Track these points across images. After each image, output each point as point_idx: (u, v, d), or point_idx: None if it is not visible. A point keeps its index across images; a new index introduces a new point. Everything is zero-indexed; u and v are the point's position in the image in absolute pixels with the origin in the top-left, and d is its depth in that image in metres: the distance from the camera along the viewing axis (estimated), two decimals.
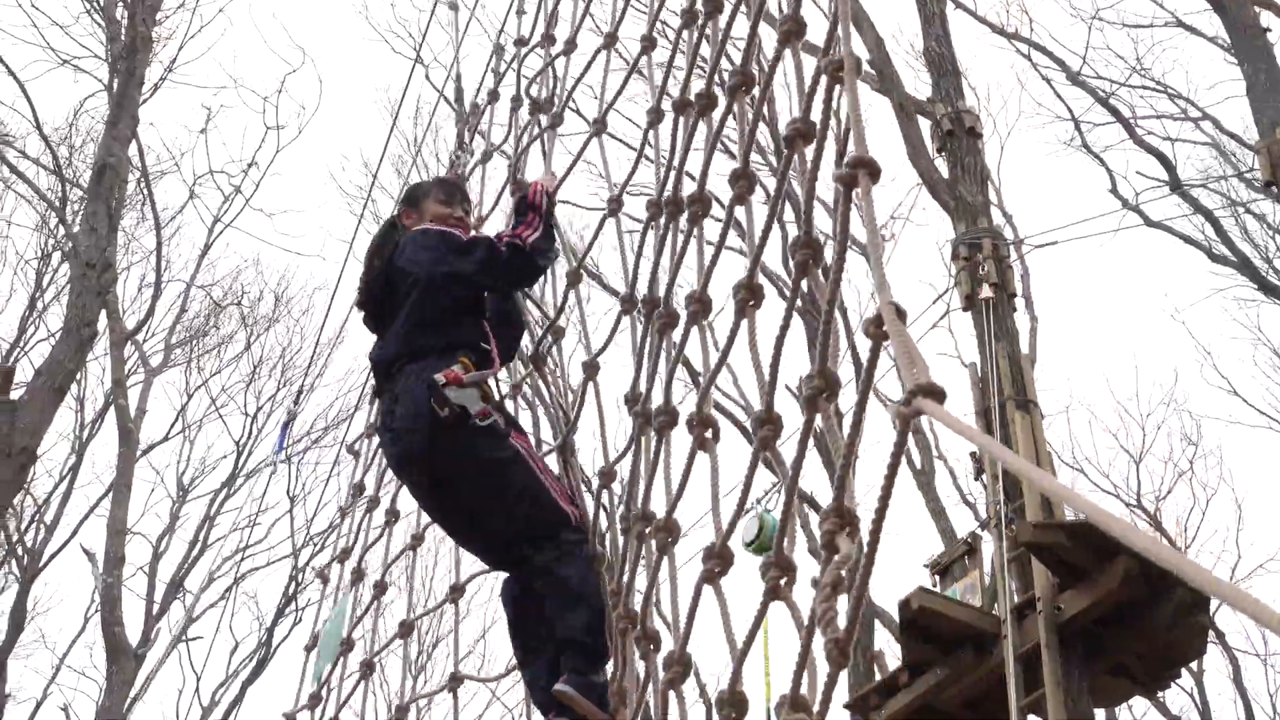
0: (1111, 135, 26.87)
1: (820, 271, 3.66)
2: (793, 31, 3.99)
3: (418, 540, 6.89)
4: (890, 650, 19.96)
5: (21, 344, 27.71)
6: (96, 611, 24.65)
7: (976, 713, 11.21)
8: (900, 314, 2.86)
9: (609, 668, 5.43)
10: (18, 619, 24.09)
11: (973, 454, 14.03)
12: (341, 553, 7.65)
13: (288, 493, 27.17)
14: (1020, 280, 16.05)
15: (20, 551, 25.36)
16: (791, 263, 3.61)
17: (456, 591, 6.66)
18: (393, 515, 7.09)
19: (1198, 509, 27.78)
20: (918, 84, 20.17)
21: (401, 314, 6.20)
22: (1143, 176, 24.58)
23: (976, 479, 13.85)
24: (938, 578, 12.78)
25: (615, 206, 6.29)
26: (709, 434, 4.04)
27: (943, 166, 15.59)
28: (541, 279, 6.86)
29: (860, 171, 3.28)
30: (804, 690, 2.97)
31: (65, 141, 25.66)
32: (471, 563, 6.69)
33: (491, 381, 6.16)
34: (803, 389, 3.29)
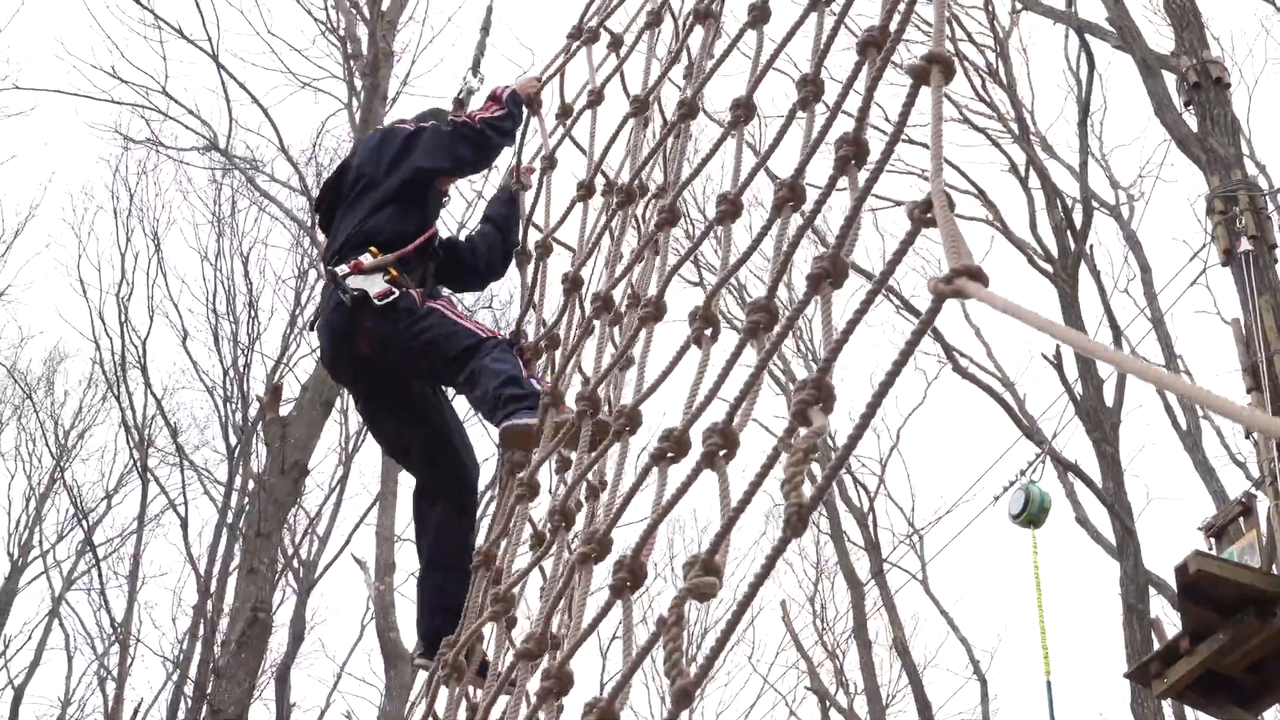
0: None
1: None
2: None
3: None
4: (1167, 617, 19.64)
5: (286, 360, 28.35)
6: (372, 619, 25.14)
7: (1262, 676, 11.01)
8: (950, 203, 2.84)
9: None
10: (298, 630, 24.60)
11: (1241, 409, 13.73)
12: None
13: (549, 492, 27.42)
14: (1278, 231, 15.68)
15: (296, 564, 25.93)
16: (835, 156, 3.56)
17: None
18: None
19: None
20: (1159, 38, 19.79)
21: (341, 213, 6.48)
22: None
23: (1247, 437, 13.59)
24: (1213, 540, 12.56)
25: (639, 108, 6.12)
26: (708, 332, 4.00)
27: (1191, 120, 15.31)
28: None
29: (935, 67, 3.25)
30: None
31: (311, 161, 26.27)
32: None
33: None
34: (811, 267, 3.28)
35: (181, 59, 36.62)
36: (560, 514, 4.44)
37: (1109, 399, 22.81)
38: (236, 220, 29.50)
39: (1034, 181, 25.22)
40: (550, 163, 6.70)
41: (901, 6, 3.58)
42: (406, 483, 27.90)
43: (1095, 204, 24.60)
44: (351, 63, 21.65)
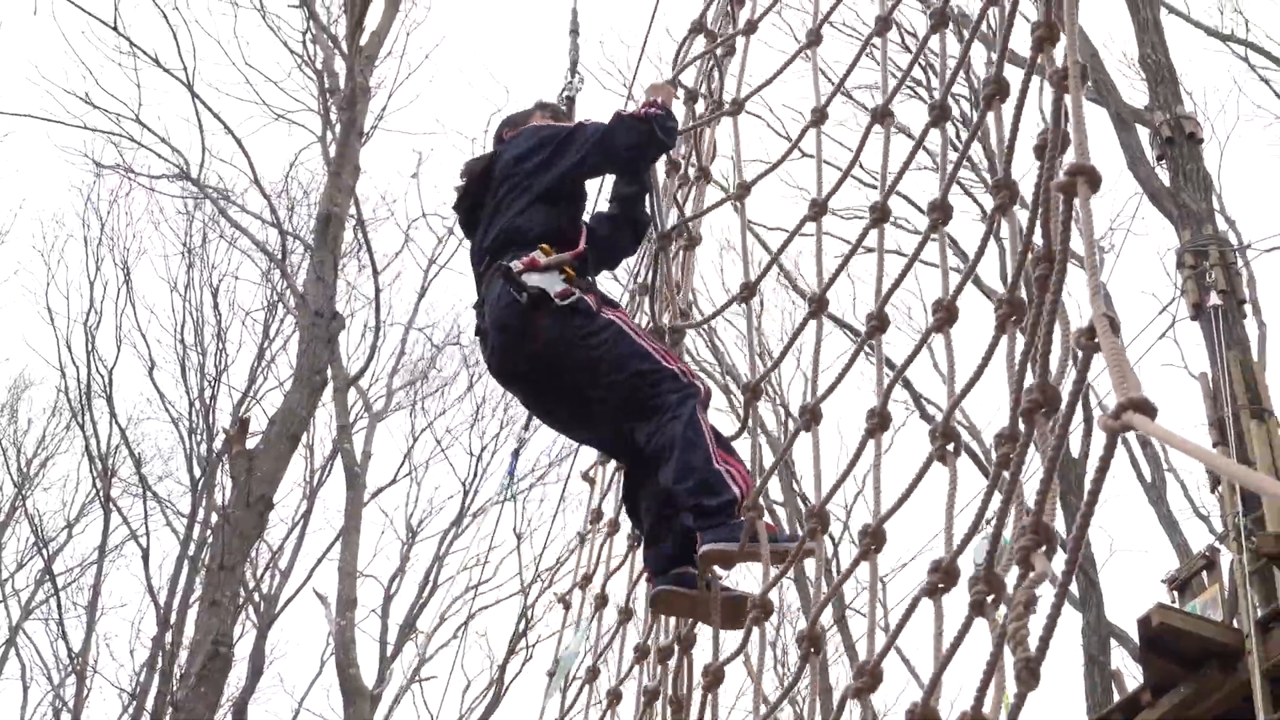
0: None
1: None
2: (1045, 38, 3.96)
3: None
4: (1128, 670, 19.69)
5: (253, 393, 28.35)
6: (332, 654, 25.09)
7: None
8: (1114, 326, 2.83)
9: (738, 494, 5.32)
10: (257, 664, 24.51)
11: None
12: (583, 579, 7.70)
13: (514, 530, 27.43)
14: (1247, 287, 15.78)
15: (258, 598, 25.87)
16: (1033, 273, 3.57)
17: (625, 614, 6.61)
18: (635, 540, 7.13)
19: None
20: (1133, 92, 19.96)
21: (488, 212, 6.26)
22: None
23: (1213, 491, 13.66)
24: (1176, 593, 12.62)
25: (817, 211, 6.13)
26: (950, 448, 3.99)
27: (1163, 174, 15.43)
28: None
29: (1079, 179, 3.24)
30: (987, 710, 2.93)
31: (283, 194, 26.25)
32: None
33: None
34: (1021, 401, 3.25)
35: (156, 87, 36.59)
36: (809, 639, 4.30)
37: (1074, 450, 22.92)
38: (207, 251, 29.50)
39: (1005, 231, 25.30)
40: (703, 173, 6.77)
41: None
42: (373, 519, 27.98)
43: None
44: (328, 96, 21.67)
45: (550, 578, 26.81)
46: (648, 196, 6.71)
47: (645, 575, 6.01)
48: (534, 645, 27.02)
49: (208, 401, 28.33)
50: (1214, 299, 13.23)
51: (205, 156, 22.14)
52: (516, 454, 12.75)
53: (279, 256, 23.45)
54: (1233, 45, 25.50)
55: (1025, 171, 4.45)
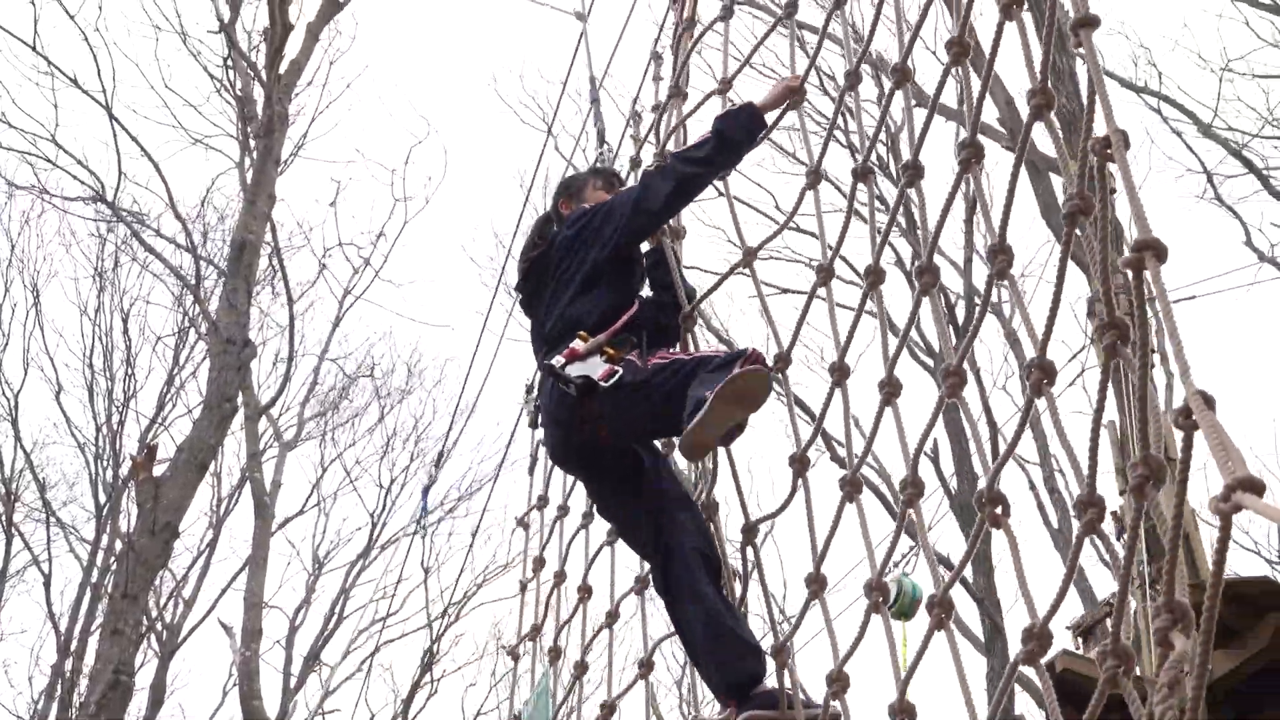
0: (1245, 187, 26.70)
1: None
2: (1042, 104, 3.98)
3: (613, 617, 6.85)
4: (1033, 715, 19.77)
5: (161, 420, 28.14)
6: (235, 685, 24.91)
7: None
8: (1209, 402, 2.77)
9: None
10: (157, 694, 24.31)
11: (1113, 513, 13.91)
12: (531, 630, 7.63)
13: (422, 564, 27.28)
14: (1156, 336, 15.92)
15: (160, 627, 25.64)
16: (1099, 346, 3.55)
17: (645, 668, 6.62)
18: (585, 592, 7.09)
19: None
20: (1048, 141, 20.12)
21: (546, 297, 6.38)
22: (1278, 227, 24.37)
23: (1118, 538, 13.73)
24: (1081, 640, 12.69)
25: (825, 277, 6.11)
26: (999, 510, 3.96)
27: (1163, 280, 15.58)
28: None
29: (1146, 254, 3.20)
30: None
31: (199, 219, 26.11)
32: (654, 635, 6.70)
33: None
34: (1128, 475, 3.20)
35: (74, 108, 36.40)
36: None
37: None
38: (119, 275, 29.29)
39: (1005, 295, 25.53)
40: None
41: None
42: (280, 549, 27.81)
43: (978, 301, 24.91)
44: (247, 123, 21.56)
45: (457, 613, 26.74)
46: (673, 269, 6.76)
47: (720, 704, 5.93)
48: (439, 680, 26.96)
49: (115, 427, 28.16)
50: None
51: (121, 179, 22.03)
52: (427, 490, 12.72)
53: (193, 282, 23.29)
54: (1146, 97, 25.78)
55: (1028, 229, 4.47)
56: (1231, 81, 27.42)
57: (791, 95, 6.52)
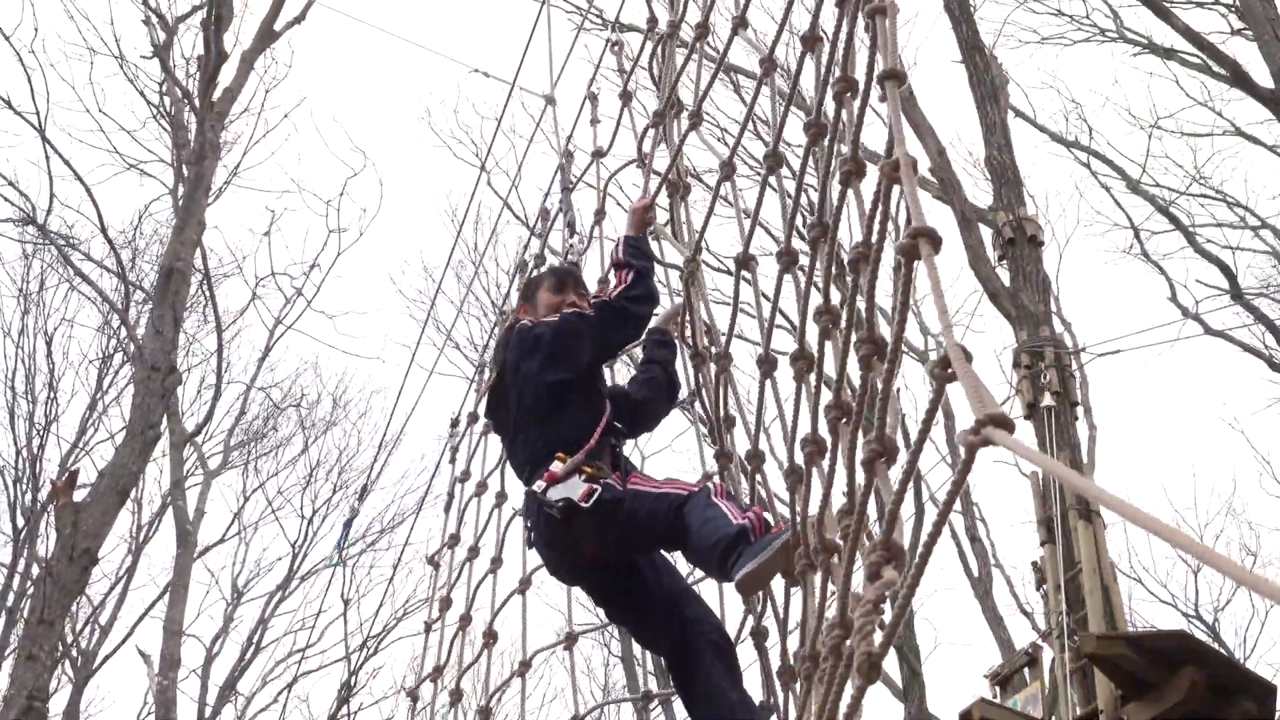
0: (1171, 243, 27.07)
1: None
2: (852, 172, 4.12)
3: (525, 666, 6.85)
4: None
5: (82, 444, 27.95)
6: (150, 714, 24.72)
7: None
8: (967, 355, 2.92)
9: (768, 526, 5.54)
10: (72, 718, 24.13)
11: (1034, 563, 14.01)
12: (434, 671, 7.58)
13: (342, 596, 27.17)
14: (1080, 389, 16.06)
15: (75, 653, 25.41)
16: (857, 356, 3.75)
17: (524, 665, 6.63)
18: (491, 637, 7.07)
19: (1257, 619, 27.79)
20: (978, 192, 20.31)
21: (512, 418, 6.52)
22: (1203, 285, 24.63)
23: (1038, 589, 13.83)
24: (998, 689, 12.76)
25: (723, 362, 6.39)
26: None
27: (1003, 274, 15.68)
28: None
29: (921, 240, 3.35)
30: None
31: (129, 244, 25.96)
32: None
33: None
34: (861, 452, 3.50)
35: (6, 129, 36.08)
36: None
37: (905, 542, 23.15)
38: (44, 298, 29.08)
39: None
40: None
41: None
42: (199, 577, 27.61)
43: (904, 349, 25.04)
44: (180, 150, 21.48)
45: (375, 646, 26.62)
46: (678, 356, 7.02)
47: None
48: (356, 713, 26.79)
49: (35, 451, 27.89)
50: (1047, 399, 13.45)
51: (52, 202, 21.81)
52: (349, 524, 12.67)
53: (121, 306, 23.12)
54: (1076, 151, 26.06)
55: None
56: (1160, 139, 27.97)
57: (644, 215, 7.06)
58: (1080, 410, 15.51)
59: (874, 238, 3.91)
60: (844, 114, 4.66)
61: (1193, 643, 10.48)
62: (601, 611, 6.92)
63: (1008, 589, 24.53)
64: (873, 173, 4.14)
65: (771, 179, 5.80)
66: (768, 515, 5.65)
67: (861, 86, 4.35)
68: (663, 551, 6.44)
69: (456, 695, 7.24)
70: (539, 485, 6.04)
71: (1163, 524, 2.02)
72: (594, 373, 6.59)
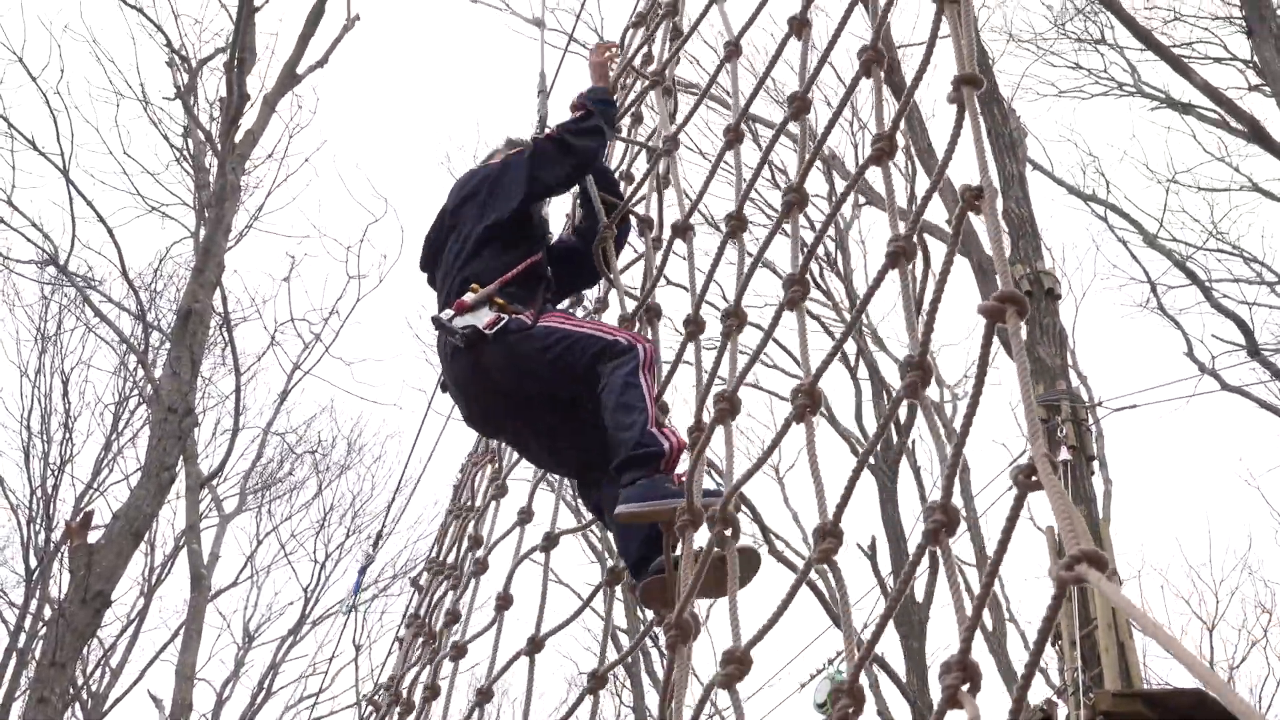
0: (1188, 298, 26.97)
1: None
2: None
3: (484, 696, 6.76)
4: None
5: (97, 485, 27.93)
6: None
7: None
8: (1055, 466, 2.80)
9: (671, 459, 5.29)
10: None
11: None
12: (391, 681, 7.54)
13: (354, 641, 27.13)
14: (1096, 443, 16.01)
15: (85, 695, 25.34)
16: (900, 382, 3.60)
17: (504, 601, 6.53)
18: (460, 651, 6.97)
19: (1273, 678, 27.62)
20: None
21: (443, 264, 6.28)
22: (1219, 340, 24.53)
23: (1053, 645, 13.76)
24: None
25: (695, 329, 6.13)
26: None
27: (1021, 327, 15.66)
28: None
29: (1010, 308, 3.22)
30: None
31: (149, 286, 25.98)
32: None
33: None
34: (923, 520, 3.19)
35: (31, 170, 36.24)
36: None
37: (919, 594, 23.07)
38: (62, 339, 29.15)
39: (863, 372, 25.63)
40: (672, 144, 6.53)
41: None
42: (211, 620, 27.55)
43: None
44: (202, 192, 21.52)
45: (389, 689, 26.55)
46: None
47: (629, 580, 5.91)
48: None
49: (50, 491, 27.87)
50: (1064, 454, 13.40)
51: (74, 243, 21.88)
52: (363, 571, 12.64)
53: (139, 347, 23.15)
54: (1093, 205, 26.04)
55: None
56: (1177, 193, 27.95)
57: (603, 65, 6.93)
58: (1096, 465, 15.45)
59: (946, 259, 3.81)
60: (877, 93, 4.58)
61: (1210, 700, 10.40)
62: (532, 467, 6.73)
63: (1022, 645, 24.42)
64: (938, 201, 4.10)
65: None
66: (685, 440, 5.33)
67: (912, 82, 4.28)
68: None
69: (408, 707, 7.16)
70: (446, 314, 5.80)
71: (1197, 662, 1.99)
72: (527, 213, 6.30)
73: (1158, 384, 29.54)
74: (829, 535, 3.59)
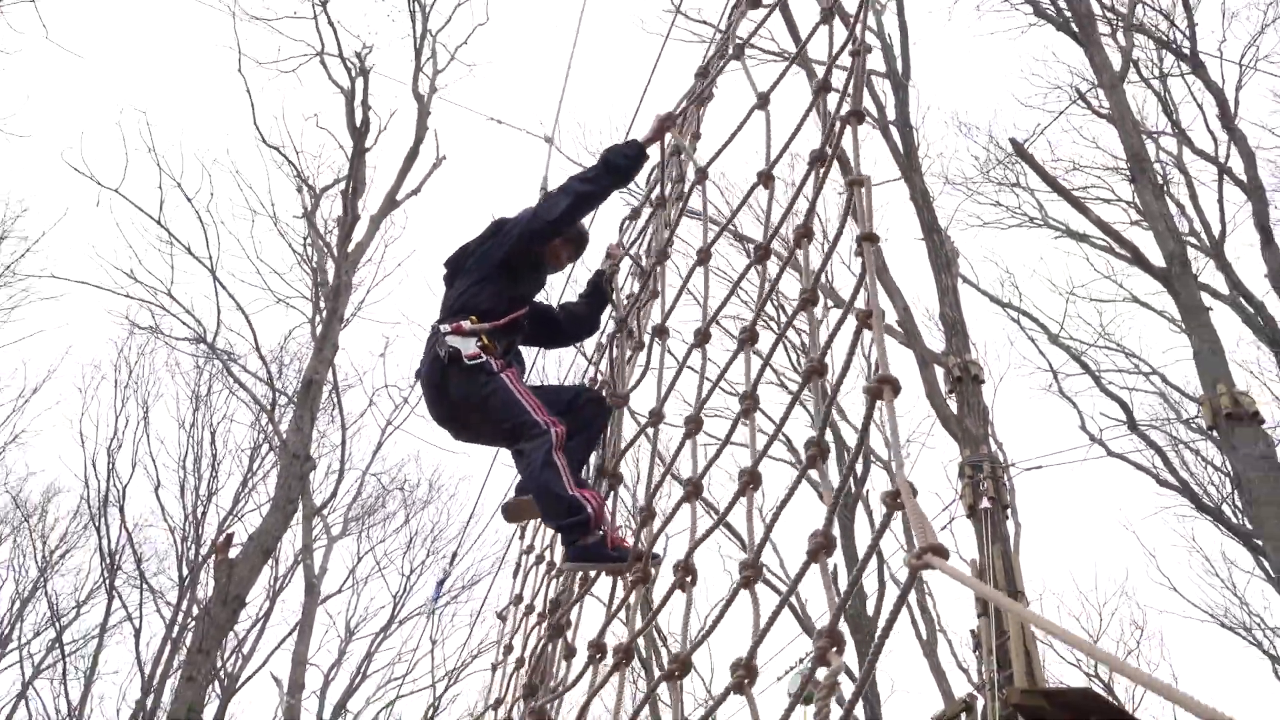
0: (1081, 384, 26.89)
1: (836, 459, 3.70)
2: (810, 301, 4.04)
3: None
4: None
5: (236, 513, 28.03)
6: None
7: None
8: (913, 489, 2.90)
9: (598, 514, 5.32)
10: None
11: (972, 631, 13.89)
12: (495, 702, 7.42)
13: (430, 638, 27.07)
14: (1009, 495, 15.98)
15: (222, 675, 25.31)
16: (804, 454, 3.68)
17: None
18: (687, 572, 6.77)
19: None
20: (932, 340, 20.28)
21: (451, 286, 6.17)
22: (1106, 417, 24.50)
23: (974, 650, 13.70)
24: None
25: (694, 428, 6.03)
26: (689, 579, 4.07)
27: (952, 404, 15.65)
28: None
29: (885, 387, 3.33)
30: None
31: (276, 359, 26.13)
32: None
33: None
34: (808, 542, 3.31)
35: (186, 269, 36.42)
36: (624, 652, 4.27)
37: (870, 609, 23.02)
38: (210, 399, 29.37)
39: (828, 436, 25.57)
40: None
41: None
42: (320, 619, 27.52)
43: (873, 458, 25.01)
44: (319, 289, 21.66)
45: (455, 678, 26.46)
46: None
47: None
48: None
49: (199, 517, 27.98)
50: (985, 503, 13.38)
51: (219, 326, 22.01)
52: (441, 583, 12.66)
53: (269, 408, 23.25)
54: (1009, 311, 26.05)
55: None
56: (1074, 303, 27.92)
57: (665, 123, 6.51)
58: (1010, 512, 15.40)
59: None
60: (807, 260, 4.63)
61: (1095, 696, 10.38)
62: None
63: (949, 650, 24.32)
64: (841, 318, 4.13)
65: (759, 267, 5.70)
66: (601, 507, 5.42)
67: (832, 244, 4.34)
68: None
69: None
70: (445, 327, 5.76)
71: (1071, 635, 2.05)
72: (529, 264, 6.17)
73: (1058, 450, 29.49)
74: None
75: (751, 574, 3.76)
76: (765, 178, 5.45)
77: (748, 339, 4.80)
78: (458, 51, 24.46)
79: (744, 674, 3.38)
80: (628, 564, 5.03)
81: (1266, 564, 20.05)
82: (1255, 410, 13.29)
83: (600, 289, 6.73)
